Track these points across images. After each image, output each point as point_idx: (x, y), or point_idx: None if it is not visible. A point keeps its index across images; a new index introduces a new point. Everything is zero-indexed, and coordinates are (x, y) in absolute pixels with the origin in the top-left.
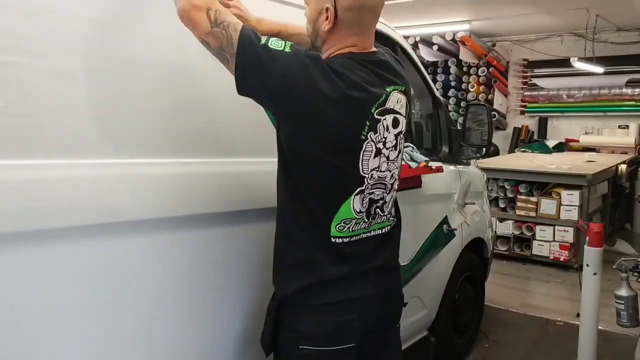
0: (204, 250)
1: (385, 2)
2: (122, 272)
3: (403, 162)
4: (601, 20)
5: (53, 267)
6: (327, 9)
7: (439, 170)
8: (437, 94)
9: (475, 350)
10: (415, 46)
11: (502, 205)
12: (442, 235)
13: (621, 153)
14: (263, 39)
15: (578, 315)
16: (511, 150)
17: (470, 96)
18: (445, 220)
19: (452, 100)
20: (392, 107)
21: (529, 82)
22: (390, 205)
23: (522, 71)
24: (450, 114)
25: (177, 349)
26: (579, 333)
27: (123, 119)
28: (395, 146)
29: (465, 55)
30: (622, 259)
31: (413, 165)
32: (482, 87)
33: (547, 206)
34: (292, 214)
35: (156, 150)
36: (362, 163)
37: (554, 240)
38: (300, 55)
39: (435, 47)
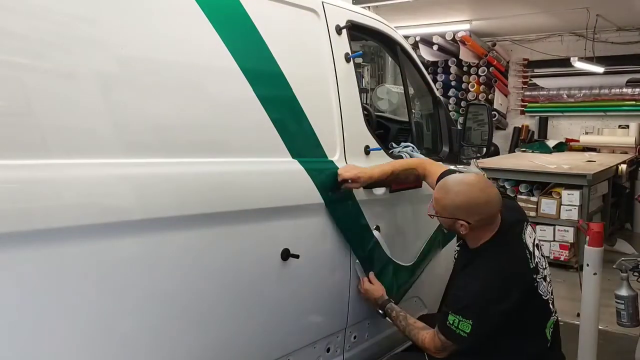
0: (204, 249)
1: (386, 2)
2: (122, 272)
3: None
4: (601, 20)
5: (53, 267)
6: (460, 223)
7: None
8: (437, 93)
9: None
10: (415, 46)
11: None
12: (442, 235)
13: (621, 153)
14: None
15: (578, 315)
16: (511, 150)
17: (470, 96)
18: None
19: (452, 100)
20: (528, 244)
21: (529, 82)
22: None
23: (522, 71)
24: (451, 113)
25: (177, 348)
26: (579, 333)
27: (123, 119)
28: (544, 264)
29: (465, 55)
30: (622, 258)
31: None
32: (482, 87)
33: (547, 206)
34: None
35: (157, 150)
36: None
37: (554, 240)
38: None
39: (435, 47)
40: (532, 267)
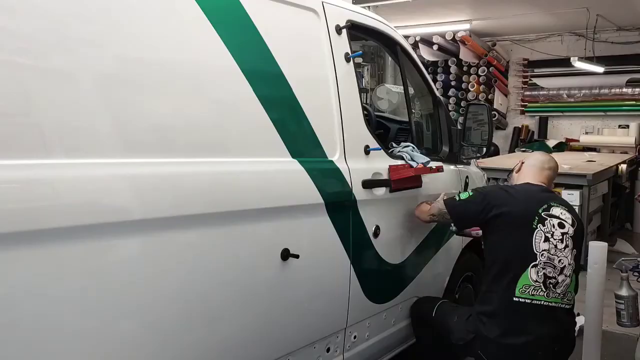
0: (204, 249)
1: (386, 2)
2: (122, 272)
3: (403, 162)
4: (601, 19)
5: (53, 267)
6: (520, 163)
7: (439, 170)
8: (437, 93)
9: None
10: (415, 46)
11: None
12: (441, 235)
13: (621, 153)
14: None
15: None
16: (511, 150)
17: (470, 96)
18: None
19: (452, 100)
20: (557, 215)
21: (529, 81)
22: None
23: (522, 71)
24: (451, 113)
25: (176, 348)
26: (584, 331)
27: (123, 119)
28: (561, 241)
29: (465, 55)
30: (623, 258)
31: (413, 165)
32: (482, 87)
33: None
34: None
35: (156, 150)
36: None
37: None
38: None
39: (435, 47)
40: (538, 214)
